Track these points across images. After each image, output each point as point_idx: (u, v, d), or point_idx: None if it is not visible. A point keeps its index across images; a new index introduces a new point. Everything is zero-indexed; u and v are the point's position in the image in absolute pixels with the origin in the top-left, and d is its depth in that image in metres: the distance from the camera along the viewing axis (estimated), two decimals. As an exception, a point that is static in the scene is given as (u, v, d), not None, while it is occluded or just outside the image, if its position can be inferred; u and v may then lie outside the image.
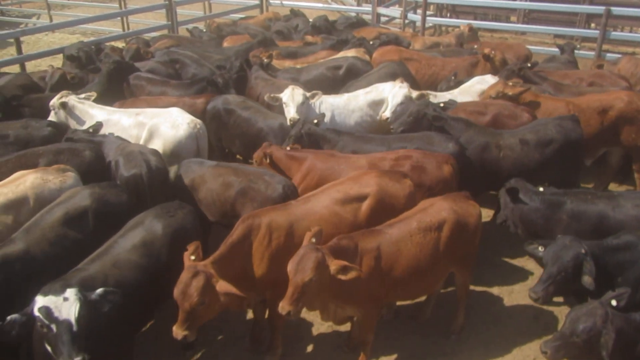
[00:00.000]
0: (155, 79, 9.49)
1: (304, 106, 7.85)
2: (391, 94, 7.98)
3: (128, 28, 17.53)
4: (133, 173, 6.16)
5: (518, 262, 7.11)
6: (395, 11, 16.95)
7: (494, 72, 9.73)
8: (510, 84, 8.19)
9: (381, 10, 16.60)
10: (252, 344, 5.72)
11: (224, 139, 8.48)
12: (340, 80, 9.67)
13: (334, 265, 4.46)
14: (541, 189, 5.98)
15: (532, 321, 6.18)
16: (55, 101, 7.87)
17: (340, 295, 4.76)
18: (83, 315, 3.88)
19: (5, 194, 5.55)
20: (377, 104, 8.33)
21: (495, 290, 6.64)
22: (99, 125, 7.27)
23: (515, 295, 6.55)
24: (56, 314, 3.81)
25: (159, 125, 7.33)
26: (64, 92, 8.04)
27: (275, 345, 5.48)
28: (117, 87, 9.23)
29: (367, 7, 17.67)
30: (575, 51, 11.78)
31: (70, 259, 5.08)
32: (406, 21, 16.02)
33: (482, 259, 6.56)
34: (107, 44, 12.74)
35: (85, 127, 7.57)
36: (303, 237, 4.76)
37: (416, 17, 15.98)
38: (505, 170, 6.78)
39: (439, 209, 5.37)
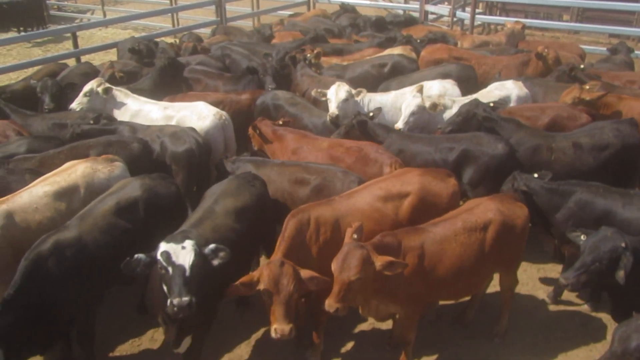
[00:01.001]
0: (210, 71, 9.80)
1: (347, 103, 7.90)
2: (404, 104, 7.88)
3: (178, 24, 17.90)
4: (186, 148, 6.78)
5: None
6: (443, 9, 16.74)
7: (546, 71, 9.49)
8: (587, 87, 7.90)
9: (429, 7, 16.43)
10: (294, 339, 5.75)
11: None
12: (385, 77, 9.64)
13: (379, 261, 4.46)
14: (536, 175, 6.00)
15: (580, 328, 6.00)
16: (94, 86, 8.11)
17: (383, 292, 4.75)
18: (196, 264, 4.33)
19: (58, 182, 5.79)
20: (424, 100, 8.24)
21: (540, 294, 6.47)
22: (98, 117, 7.52)
23: (563, 300, 6.36)
24: (174, 258, 4.28)
25: (185, 118, 7.64)
26: (100, 79, 8.34)
27: (317, 342, 5.50)
28: (167, 83, 9.45)
29: (414, 5, 17.51)
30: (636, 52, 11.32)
31: (120, 247, 5.26)
32: (454, 19, 15.80)
33: (527, 261, 6.43)
34: (158, 39, 13.05)
35: (119, 114, 8.01)
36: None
37: (465, 14, 15.74)
38: (556, 174, 6.58)
39: (485, 210, 5.28)
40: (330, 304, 4.42)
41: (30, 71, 11.26)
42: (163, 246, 4.35)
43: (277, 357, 5.68)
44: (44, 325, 4.77)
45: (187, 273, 4.26)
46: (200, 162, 6.99)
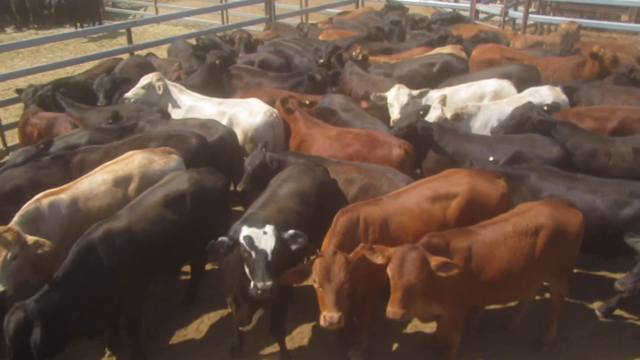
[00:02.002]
0: (253, 70, 9.81)
1: (409, 107, 7.79)
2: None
3: (227, 21, 18.12)
4: (219, 136, 7.11)
5: (619, 275, 6.64)
6: (495, 8, 16.37)
7: (603, 73, 9.14)
8: None
9: (480, 6, 16.08)
10: (337, 337, 5.75)
11: None
12: (434, 77, 9.48)
13: (434, 261, 4.43)
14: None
15: (632, 341, 5.76)
16: (153, 80, 8.27)
17: (428, 293, 4.67)
18: (277, 248, 4.50)
19: (116, 171, 6.02)
20: (479, 98, 8.14)
21: (594, 304, 6.23)
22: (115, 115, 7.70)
23: (616, 311, 6.11)
24: (256, 243, 4.44)
25: (237, 114, 7.74)
26: (158, 74, 8.51)
27: (360, 341, 5.47)
28: (218, 79, 9.54)
29: (465, 4, 17.17)
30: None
31: (167, 238, 5.40)
32: (506, 18, 15.42)
33: (580, 267, 6.22)
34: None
35: (173, 110, 8.19)
36: (395, 233, 4.77)
37: (517, 14, 15.33)
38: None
39: (536, 214, 5.13)
40: (395, 312, 4.38)
41: (85, 66, 11.60)
42: (245, 230, 4.49)
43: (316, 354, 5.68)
44: (91, 311, 4.91)
45: (269, 258, 4.42)
46: (233, 146, 7.25)
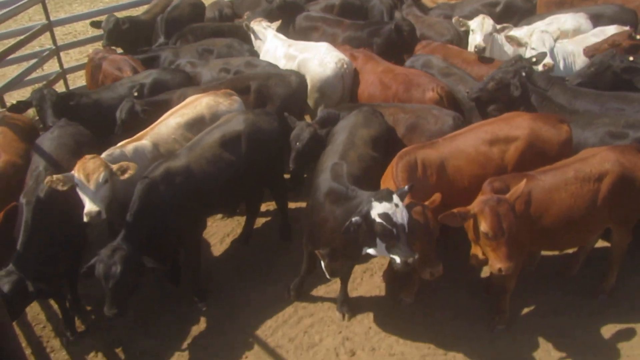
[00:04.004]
0: (328, 18, 9.14)
1: (492, 37, 7.53)
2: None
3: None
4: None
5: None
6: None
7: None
8: None
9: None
10: (390, 280, 5.82)
11: None
12: (496, 17, 9.01)
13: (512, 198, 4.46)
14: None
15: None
16: (256, 25, 8.30)
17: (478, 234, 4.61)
18: (409, 220, 4.38)
19: (187, 114, 6.14)
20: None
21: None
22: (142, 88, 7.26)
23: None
24: (395, 219, 4.27)
25: (307, 62, 7.52)
26: (259, 18, 8.47)
27: (412, 285, 5.51)
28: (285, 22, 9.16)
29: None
30: None
31: (223, 177, 5.53)
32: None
33: None
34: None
35: (260, 51, 8.16)
36: (452, 176, 4.80)
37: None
38: None
39: (602, 160, 4.94)
40: (508, 267, 4.40)
41: (141, 9, 11.66)
42: (378, 207, 4.30)
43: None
44: (156, 247, 5.13)
45: (407, 230, 4.32)
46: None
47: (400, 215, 4.28)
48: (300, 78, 7.03)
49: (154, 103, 6.54)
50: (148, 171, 5.23)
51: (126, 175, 5.12)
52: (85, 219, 4.98)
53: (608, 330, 5.25)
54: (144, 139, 5.77)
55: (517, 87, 5.98)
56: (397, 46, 8.26)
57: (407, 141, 5.93)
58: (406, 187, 4.51)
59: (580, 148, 5.44)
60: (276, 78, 6.90)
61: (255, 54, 8.23)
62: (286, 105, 6.47)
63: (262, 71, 7.16)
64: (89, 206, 4.97)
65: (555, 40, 7.14)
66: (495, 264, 4.45)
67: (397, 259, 4.29)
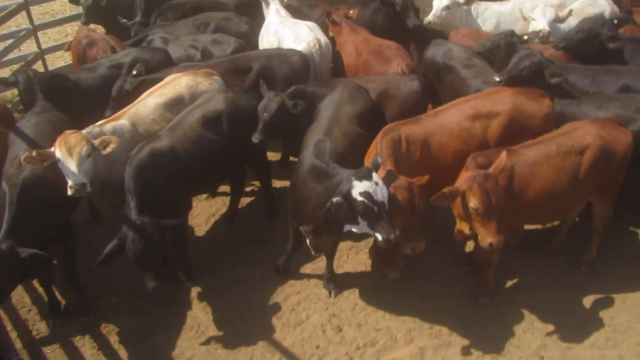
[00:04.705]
0: None
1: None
2: None
3: None
4: (233, 48, 7.11)
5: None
6: None
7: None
8: None
9: None
10: (375, 257, 5.86)
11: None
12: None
13: (495, 172, 4.50)
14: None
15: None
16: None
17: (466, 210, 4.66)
18: (392, 195, 4.45)
19: (166, 94, 6.06)
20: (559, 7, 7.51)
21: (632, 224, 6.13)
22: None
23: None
24: (375, 197, 4.29)
25: (285, 37, 7.47)
26: None
27: (397, 260, 5.56)
28: None
29: None
30: None
31: (206, 158, 5.50)
32: None
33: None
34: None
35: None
36: (435, 152, 4.81)
37: None
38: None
39: (583, 133, 4.99)
40: (498, 241, 4.46)
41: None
42: (359, 185, 4.31)
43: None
44: None
45: (387, 207, 4.34)
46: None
47: (381, 192, 4.32)
48: (303, 58, 6.91)
49: (154, 81, 6.38)
50: (133, 153, 5.18)
51: (108, 150, 5.08)
52: (69, 192, 4.92)
53: (589, 301, 5.36)
54: (123, 119, 5.70)
55: (553, 75, 5.68)
56: (397, 25, 7.98)
57: (381, 108, 6.00)
58: (379, 158, 4.53)
59: None
60: (279, 58, 6.81)
61: (253, 25, 8.15)
62: (289, 86, 6.32)
63: (265, 52, 7.08)
64: (74, 179, 4.91)
65: (563, 16, 7.16)
66: (486, 238, 4.50)
67: (380, 236, 4.33)
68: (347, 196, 4.35)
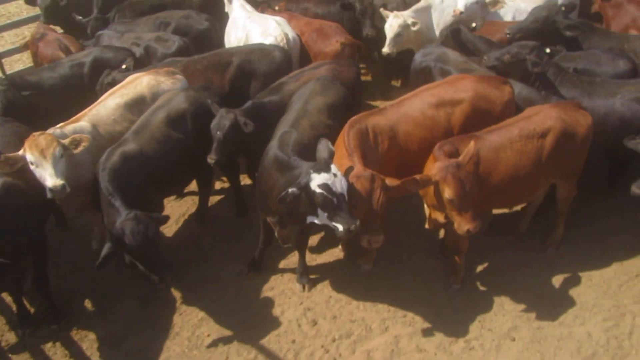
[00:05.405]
0: None
1: (477, 6, 7.17)
2: (387, 25, 7.37)
3: None
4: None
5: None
6: None
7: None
8: None
9: None
10: (344, 249, 5.89)
11: None
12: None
13: (465, 161, 4.53)
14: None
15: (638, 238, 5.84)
16: None
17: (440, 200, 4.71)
18: (352, 187, 4.48)
19: (127, 94, 5.96)
20: None
21: (597, 206, 6.25)
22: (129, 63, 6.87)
23: (619, 210, 6.08)
24: (334, 189, 4.34)
25: (252, 32, 7.44)
26: None
27: (370, 251, 5.58)
28: None
29: None
30: None
31: (174, 158, 5.46)
32: None
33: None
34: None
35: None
36: (402, 141, 4.87)
37: None
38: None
39: (545, 117, 5.09)
40: (475, 226, 4.52)
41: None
42: (318, 178, 4.35)
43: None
44: None
45: (347, 198, 4.38)
46: None
47: (340, 184, 4.35)
48: (284, 53, 6.87)
49: None
50: (103, 159, 5.10)
51: (80, 148, 5.00)
52: (49, 195, 4.81)
53: (557, 281, 5.49)
54: (83, 120, 5.58)
55: (535, 65, 5.77)
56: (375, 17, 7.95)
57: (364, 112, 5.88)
58: (330, 145, 4.59)
59: (607, 119, 5.53)
60: (259, 53, 6.75)
61: (214, 22, 8.08)
62: (269, 81, 6.32)
63: (246, 46, 7.03)
64: (52, 181, 4.78)
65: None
66: (462, 225, 4.55)
67: (340, 227, 4.38)
68: (306, 188, 4.40)
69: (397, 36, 7.38)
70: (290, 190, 4.42)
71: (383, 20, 7.61)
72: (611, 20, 7.66)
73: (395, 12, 7.43)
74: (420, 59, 6.55)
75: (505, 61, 5.91)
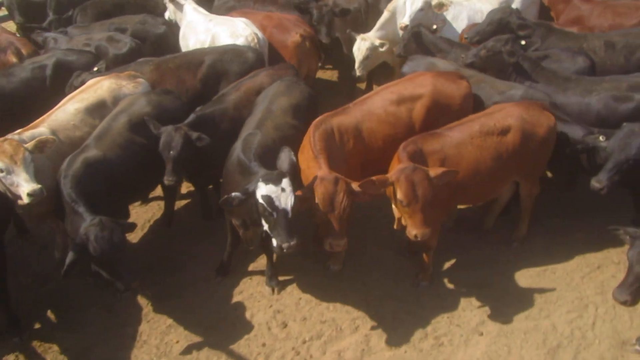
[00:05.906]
0: None
1: (423, 13, 7.23)
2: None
3: None
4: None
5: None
6: None
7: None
8: None
9: None
10: (316, 246, 5.87)
11: None
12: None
13: (433, 173, 4.49)
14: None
15: (600, 232, 5.94)
16: None
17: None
18: (295, 205, 4.42)
19: (87, 99, 5.85)
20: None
21: (560, 201, 6.40)
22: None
23: (580, 203, 6.22)
24: (277, 203, 4.32)
25: (220, 34, 7.40)
26: None
27: (338, 252, 5.57)
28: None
29: None
30: None
31: (138, 163, 5.37)
32: None
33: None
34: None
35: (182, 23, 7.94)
36: (367, 139, 4.91)
37: None
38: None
39: (506, 115, 5.19)
40: (424, 232, 4.49)
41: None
42: (263, 188, 4.34)
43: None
44: None
45: (290, 215, 4.36)
46: None
47: (285, 200, 4.33)
48: (257, 54, 6.86)
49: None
50: (65, 167, 4.98)
51: (46, 151, 4.93)
52: (27, 200, 4.71)
53: (523, 275, 5.58)
54: (41, 126, 5.44)
55: (511, 55, 5.92)
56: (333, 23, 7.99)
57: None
58: (292, 156, 4.61)
59: (583, 115, 5.58)
60: (232, 53, 6.75)
61: (172, 26, 8.05)
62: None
63: (219, 47, 6.99)
64: (29, 185, 4.69)
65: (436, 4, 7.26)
66: (411, 230, 4.57)
67: (274, 242, 4.43)
68: (252, 196, 4.42)
69: (366, 59, 7.49)
70: (234, 194, 4.44)
71: (342, 27, 7.74)
72: (560, 15, 7.87)
73: (362, 35, 7.47)
74: (409, 72, 6.34)
75: (482, 56, 6.11)
